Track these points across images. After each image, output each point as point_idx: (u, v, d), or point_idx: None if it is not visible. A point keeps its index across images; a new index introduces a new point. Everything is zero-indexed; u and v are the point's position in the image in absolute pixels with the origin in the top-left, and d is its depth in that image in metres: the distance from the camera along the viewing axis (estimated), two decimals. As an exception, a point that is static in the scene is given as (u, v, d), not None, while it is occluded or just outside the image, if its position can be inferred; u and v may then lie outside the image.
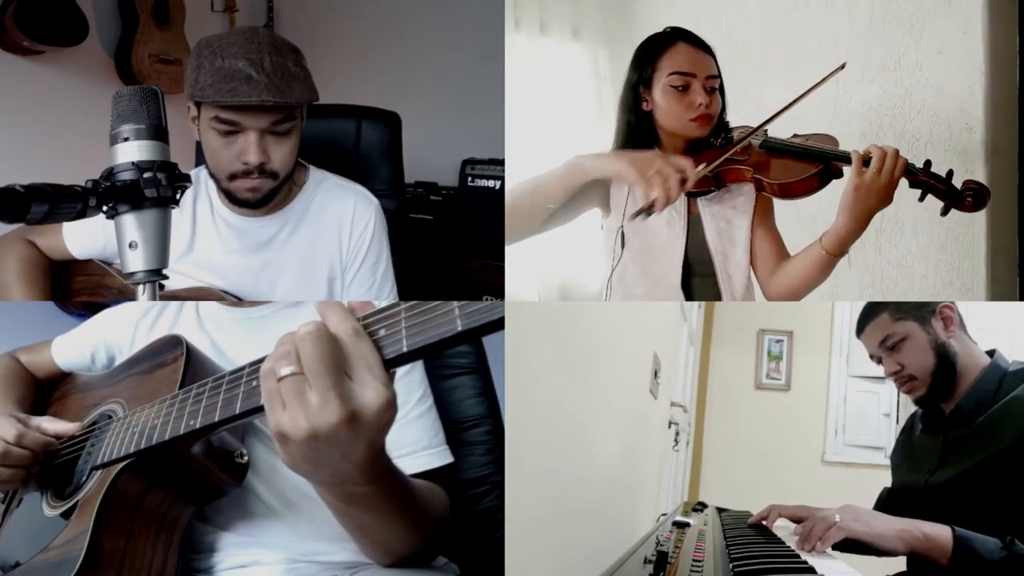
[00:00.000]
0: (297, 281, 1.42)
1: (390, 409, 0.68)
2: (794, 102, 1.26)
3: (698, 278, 1.35)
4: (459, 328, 0.63)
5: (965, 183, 1.19)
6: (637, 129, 1.35)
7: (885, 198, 1.16)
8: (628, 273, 1.35)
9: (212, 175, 1.37)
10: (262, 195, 1.34)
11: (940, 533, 1.09)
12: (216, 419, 0.81)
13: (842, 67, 1.27)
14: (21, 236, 1.45)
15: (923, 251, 1.68)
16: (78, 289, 1.51)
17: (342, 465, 0.72)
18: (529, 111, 2.12)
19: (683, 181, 1.20)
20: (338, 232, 1.42)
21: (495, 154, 2.70)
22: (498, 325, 0.63)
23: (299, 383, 0.66)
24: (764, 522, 1.33)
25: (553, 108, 2.20)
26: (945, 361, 1.32)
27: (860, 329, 1.41)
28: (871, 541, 1.11)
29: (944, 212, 1.20)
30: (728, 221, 1.33)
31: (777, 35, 1.90)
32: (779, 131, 1.33)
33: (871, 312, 1.39)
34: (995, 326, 3.09)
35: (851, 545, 1.19)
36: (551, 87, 2.19)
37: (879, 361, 1.39)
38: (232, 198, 1.37)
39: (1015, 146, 1.58)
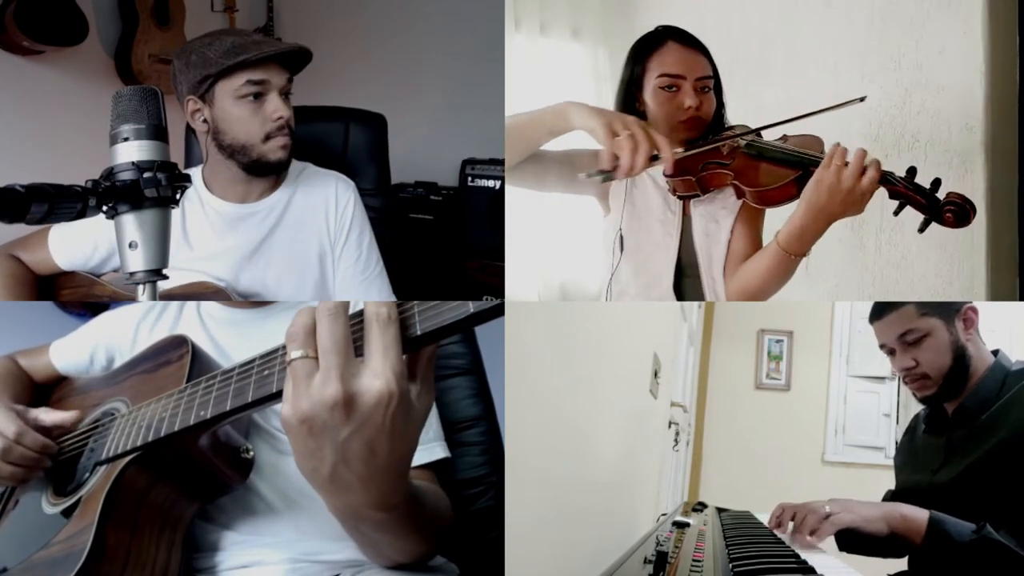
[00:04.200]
0: (289, 260, 1.46)
1: (392, 402, 0.64)
2: (793, 119, 1.23)
3: (689, 279, 1.33)
4: (471, 310, 0.65)
5: (948, 196, 1.10)
6: None
7: (850, 203, 1.09)
8: (622, 273, 1.34)
9: (239, 148, 1.39)
10: (288, 153, 1.42)
11: (918, 515, 1.15)
12: (228, 408, 0.81)
13: (862, 99, 1.20)
14: (6, 252, 1.45)
15: (923, 251, 1.68)
16: (65, 302, 1.51)
17: (342, 469, 0.68)
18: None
19: (653, 156, 1.12)
20: (324, 212, 1.49)
21: (495, 154, 2.70)
22: (501, 309, 0.66)
23: (307, 365, 0.65)
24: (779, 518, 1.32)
25: (553, 108, 2.19)
26: (960, 364, 1.31)
27: (879, 315, 1.37)
28: (858, 526, 1.17)
29: (921, 228, 1.12)
30: (717, 222, 1.30)
31: (777, 35, 1.90)
32: (770, 133, 1.31)
33: (893, 302, 1.36)
34: (995, 326, 3.09)
35: (848, 542, 1.21)
36: (551, 87, 2.19)
37: (891, 352, 1.37)
38: (261, 167, 1.41)
39: (1015, 146, 1.58)
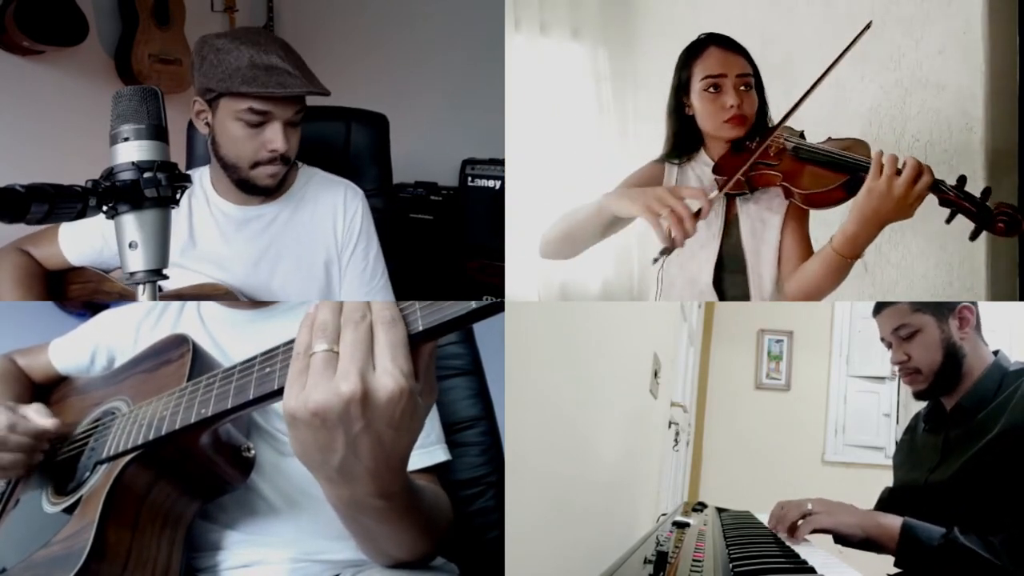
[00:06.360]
0: (295, 266, 1.45)
1: (403, 399, 0.66)
2: (821, 78, 1.24)
3: (730, 275, 1.37)
4: (472, 306, 0.66)
5: (998, 206, 1.11)
6: (682, 133, 1.40)
7: (901, 209, 1.11)
8: (671, 267, 1.39)
9: (230, 165, 1.40)
10: (278, 180, 1.42)
11: (892, 522, 1.20)
12: (229, 406, 0.81)
13: (868, 26, 1.22)
14: (16, 247, 1.46)
15: (923, 251, 1.68)
16: (75, 297, 1.51)
17: (351, 461, 0.70)
18: (529, 111, 2.12)
19: (698, 213, 1.15)
20: (332, 220, 1.49)
21: (495, 154, 2.70)
22: (501, 306, 0.68)
23: (330, 359, 0.67)
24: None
25: (553, 108, 2.20)
26: (952, 361, 1.33)
27: (878, 310, 1.42)
28: (833, 528, 1.23)
29: (973, 236, 1.12)
30: (763, 221, 1.34)
31: (777, 35, 1.90)
32: (814, 135, 1.34)
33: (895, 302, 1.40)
34: (995, 326, 3.07)
35: (842, 540, 1.25)
36: (551, 87, 2.19)
37: (888, 345, 1.41)
38: (248, 186, 1.41)
39: (1015, 146, 1.58)
